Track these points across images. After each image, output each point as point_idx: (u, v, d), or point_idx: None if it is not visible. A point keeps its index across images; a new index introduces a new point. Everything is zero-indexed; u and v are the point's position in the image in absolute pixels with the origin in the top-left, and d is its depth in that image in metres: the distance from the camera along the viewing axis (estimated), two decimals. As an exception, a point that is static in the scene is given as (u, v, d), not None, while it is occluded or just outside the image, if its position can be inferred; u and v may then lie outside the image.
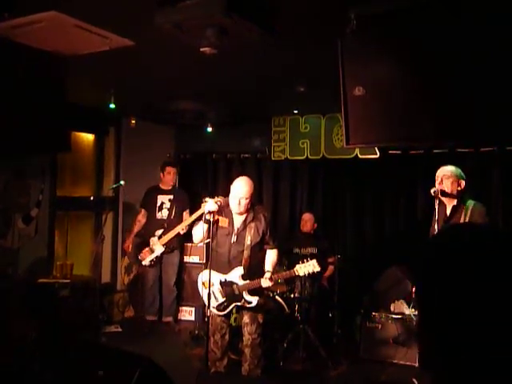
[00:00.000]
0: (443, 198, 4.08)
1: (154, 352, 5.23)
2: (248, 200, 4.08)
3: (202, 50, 2.98)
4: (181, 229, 6.11)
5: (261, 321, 4.24)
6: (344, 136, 3.02)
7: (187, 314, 6.76)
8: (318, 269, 4.04)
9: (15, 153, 4.97)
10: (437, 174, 4.10)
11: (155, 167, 6.71)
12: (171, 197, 6.42)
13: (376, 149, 6.07)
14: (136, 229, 6.47)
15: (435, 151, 6.01)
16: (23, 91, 3.62)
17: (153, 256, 6.14)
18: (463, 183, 4.08)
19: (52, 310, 5.30)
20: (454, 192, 4.05)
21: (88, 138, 6.86)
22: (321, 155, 6.68)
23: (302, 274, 4.09)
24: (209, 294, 3.98)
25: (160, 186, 6.54)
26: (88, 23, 3.23)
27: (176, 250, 6.42)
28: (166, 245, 6.15)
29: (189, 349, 5.65)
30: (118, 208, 7.01)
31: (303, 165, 7.01)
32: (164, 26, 2.85)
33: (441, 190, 3.99)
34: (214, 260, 4.14)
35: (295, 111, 6.71)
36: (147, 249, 6.20)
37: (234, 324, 4.58)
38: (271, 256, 4.22)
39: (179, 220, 6.28)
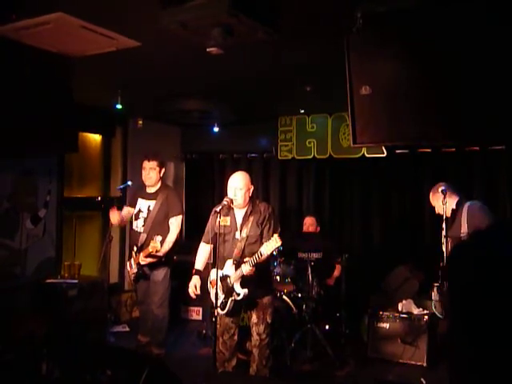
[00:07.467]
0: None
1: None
2: (243, 191, 4.07)
3: (208, 50, 2.98)
4: (140, 260, 4.91)
5: (269, 321, 4.21)
6: (351, 135, 3.01)
7: (195, 313, 6.78)
8: (279, 243, 3.81)
9: (22, 154, 4.99)
10: None
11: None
12: (151, 204, 5.08)
13: (383, 148, 6.06)
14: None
15: (443, 150, 5.99)
16: (31, 93, 3.64)
17: (131, 272, 5.15)
18: (441, 198, 4.33)
19: (60, 310, 5.32)
20: (440, 205, 4.33)
21: (95, 138, 6.89)
22: (328, 154, 6.67)
23: (268, 252, 3.86)
24: (216, 294, 3.97)
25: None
26: (94, 24, 3.24)
27: (162, 268, 5.03)
28: (138, 266, 5.03)
29: (197, 349, 5.66)
30: (126, 208, 7.02)
31: (310, 164, 7.01)
32: (170, 26, 2.86)
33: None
34: (219, 258, 4.13)
35: (302, 111, 6.70)
36: (130, 261, 5.19)
37: (241, 324, 4.57)
38: None
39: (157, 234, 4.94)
